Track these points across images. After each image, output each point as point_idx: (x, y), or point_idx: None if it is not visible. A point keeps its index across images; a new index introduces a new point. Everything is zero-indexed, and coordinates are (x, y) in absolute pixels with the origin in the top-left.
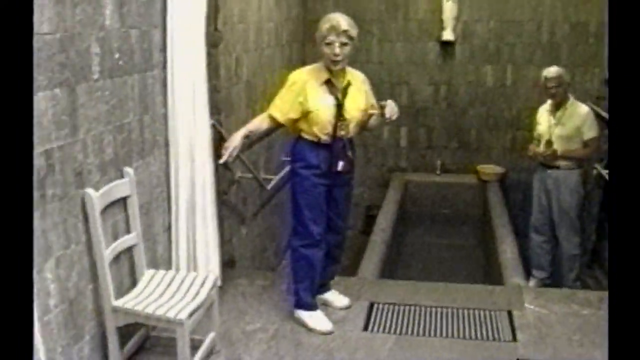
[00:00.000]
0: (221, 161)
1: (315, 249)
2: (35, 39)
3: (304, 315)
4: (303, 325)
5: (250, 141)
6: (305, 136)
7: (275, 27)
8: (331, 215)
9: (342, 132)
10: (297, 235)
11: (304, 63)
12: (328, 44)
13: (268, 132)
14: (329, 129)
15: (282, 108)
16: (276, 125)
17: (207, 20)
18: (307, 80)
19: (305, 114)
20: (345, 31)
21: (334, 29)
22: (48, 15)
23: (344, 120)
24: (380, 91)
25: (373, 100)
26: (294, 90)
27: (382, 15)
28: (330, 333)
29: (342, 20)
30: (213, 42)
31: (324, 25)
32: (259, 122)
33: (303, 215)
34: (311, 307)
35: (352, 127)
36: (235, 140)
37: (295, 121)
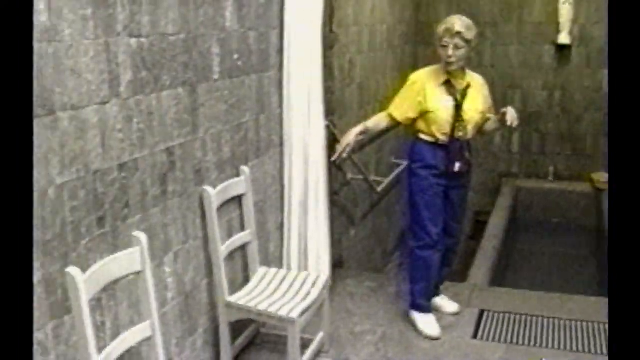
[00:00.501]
0: (334, 157)
1: (432, 250)
2: (160, 39)
3: (416, 316)
4: (413, 326)
5: (365, 139)
6: (423, 137)
7: (388, 29)
8: (446, 218)
9: (460, 133)
10: (414, 236)
11: (415, 65)
12: (443, 46)
13: (384, 131)
14: (447, 130)
15: (401, 107)
16: (394, 124)
17: (323, 22)
18: (426, 81)
19: (424, 114)
20: (459, 33)
21: (448, 31)
22: (173, 17)
23: (462, 121)
24: (492, 95)
25: (491, 105)
26: (413, 90)
27: (496, 17)
28: (437, 339)
29: (457, 23)
30: (329, 43)
31: (441, 27)
32: (378, 120)
33: (421, 216)
34: (424, 309)
35: (470, 129)
36: (350, 136)
37: (413, 121)
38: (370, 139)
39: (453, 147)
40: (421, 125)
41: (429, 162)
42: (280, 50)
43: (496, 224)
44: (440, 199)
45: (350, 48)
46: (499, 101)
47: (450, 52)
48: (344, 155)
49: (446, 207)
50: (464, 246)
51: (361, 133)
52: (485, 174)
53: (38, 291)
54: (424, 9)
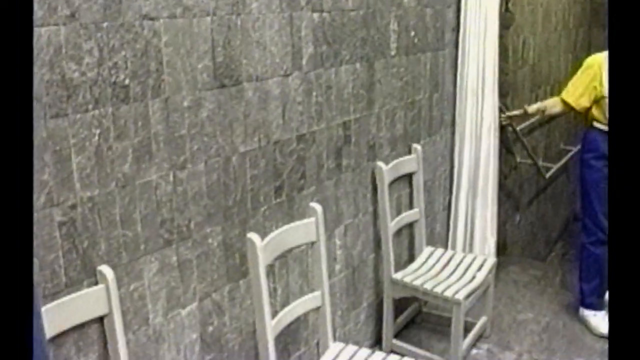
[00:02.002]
0: (508, 114)
1: (605, 246)
2: (341, 14)
3: (587, 314)
4: (584, 323)
5: (535, 121)
6: (598, 125)
7: (562, 10)
8: None
9: None
10: (586, 231)
11: (589, 48)
12: None
13: (558, 115)
14: None
15: (574, 93)
16: (567, 110)
17: (499, 1)
18: (603, 65)
19: (599, 100)
20: None
21: None
22: None
23: None
24: None
25: None
26: (589, 75)
27: None
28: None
29: None
30: (505, 23)
31: None
32: (553, 103)
33: (594, 209)
34: (596, 306)
35: None
36: (529, 108)
37: (588, 108)
38: (540, 123)
39: None
40: (596, 112)
41: (603, 152)
42: (456, 28)
43: None
44: None
45: (524, 28)
46: None
47: None
48: (513, 124)
49: None
50: None
51: (540, 111)
52: None
53: (218, 254)
54: None
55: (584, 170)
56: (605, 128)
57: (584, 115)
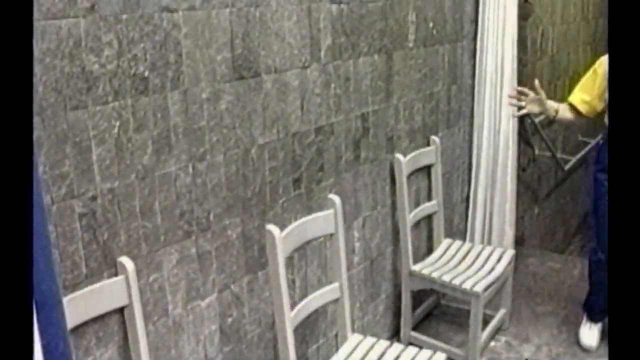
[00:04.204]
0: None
1: (603, 265)
2: (359, 6)
3: (583, 319)
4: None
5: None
6: None
7: (581, 1)
8: None
9: None
10: (597, 241)
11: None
12: None
13: (571, 124)
14: None
15: (582, 96)
16: (581, 116)
17: None
18: None
19: None
20: None
21: None
22: None
23: None
24: None
25: None
26: (598, 74)
27: None
28: (589, 350)
29: None
30: (524, 14)
31: None
32: (563, 109)
33: (602, 225)
34: (595, 318)
35: None
36: (547, 101)
37: (600, 113)
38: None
39: None
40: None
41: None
42: (475, 20)
43: None
44: None
45: (543, 19)
46: None
47: None
48: (525, 110)
49: None
50: None
51: (552, 109)
52: None
53: (237, 245)
54: None
55: (595, 183)
56: None
57: (599, 122)
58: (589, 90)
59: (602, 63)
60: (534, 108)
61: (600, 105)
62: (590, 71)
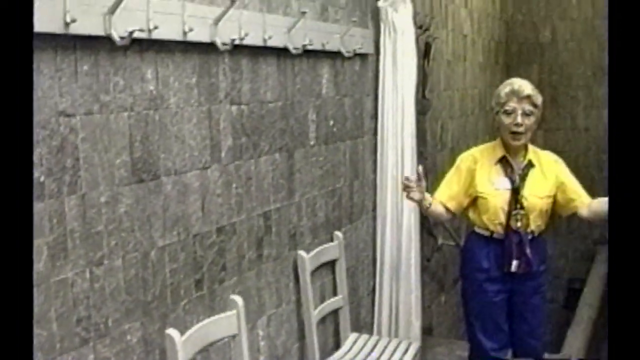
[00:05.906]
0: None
1: None
2: (259, 106)
3: None
4: None
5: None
6: (477, 230)
7: (479, 94)
8: (518, 333)
9: (518, 224)
10: (471, 353)
11: None
12: (508, 112)
13: (442, 219)
14: (502, 219)
15: (448, 192)
16: (448, 212)
17: (416, 88)
18: (478, 160)
19: (474, 200)
20: (528, 97)
21: (514, 93)
22: (271, 84)
23: (521, 208)
24: (586, 160)
25: (577, 186)
26: (461, 170)
27: (589, 81)
28: None
29: (525, 84)
30: (421, 109)
31: (503, 90)
32: (435, 203)
33: (473, 328)
34: None
35: (532, 219)
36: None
37: (465, 209)
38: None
39: (509, 241)
40: (472, 214)
41: (478, 263)
42: (375, 116)
43: (592, 292)
44: (498, 308)
45: (442, 113)
46: (591, 166)
47: (520, 119)
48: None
49: (514, 319)
50: (558, 315)
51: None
52: (579, 240)
53: (137, 350)
54: (514, 73)
55: (462, 282)
56: (483, 232)
57: (466, 219)
58: (454, 187)
59: (463, 160)
60: (416, 195)
61: (465, 201)
62: (454, 168)
